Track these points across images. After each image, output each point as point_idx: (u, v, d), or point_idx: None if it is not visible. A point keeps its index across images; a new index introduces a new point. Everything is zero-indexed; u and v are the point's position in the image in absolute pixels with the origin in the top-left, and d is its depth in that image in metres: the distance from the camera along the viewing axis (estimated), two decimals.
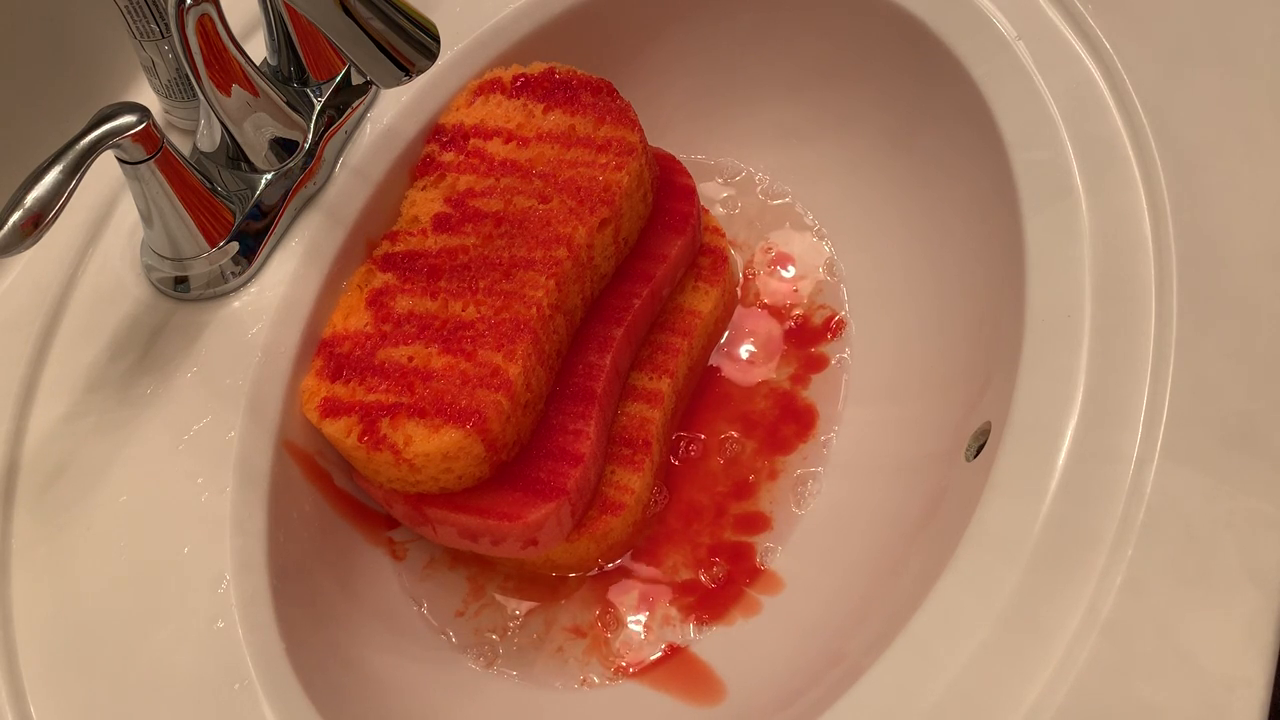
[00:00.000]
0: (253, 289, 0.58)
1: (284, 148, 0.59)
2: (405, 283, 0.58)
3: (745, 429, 0.65)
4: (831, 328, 0.67)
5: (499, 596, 0.61)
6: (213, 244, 0.56)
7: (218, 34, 0.53)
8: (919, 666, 0.46)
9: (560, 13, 0.66)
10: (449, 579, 0.62)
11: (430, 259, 0.59)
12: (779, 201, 0.71)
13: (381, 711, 0.55)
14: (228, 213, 0.57)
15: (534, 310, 0.56)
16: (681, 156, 0.68)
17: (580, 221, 0.59)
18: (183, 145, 0.58)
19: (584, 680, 0.59)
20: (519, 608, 0.61)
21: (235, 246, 0.57)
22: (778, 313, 0.68)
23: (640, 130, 0.61)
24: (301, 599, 0.54)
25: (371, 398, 0.55)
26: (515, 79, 0.63)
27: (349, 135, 0.62)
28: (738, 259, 0.70)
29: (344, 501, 0.59)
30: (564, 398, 0.59)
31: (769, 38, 0.70)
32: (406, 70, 0.51)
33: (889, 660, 0.46)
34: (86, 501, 0.53)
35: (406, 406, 0.54)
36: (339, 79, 0.61)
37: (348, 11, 0.49)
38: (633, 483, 0.60)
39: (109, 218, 0.60)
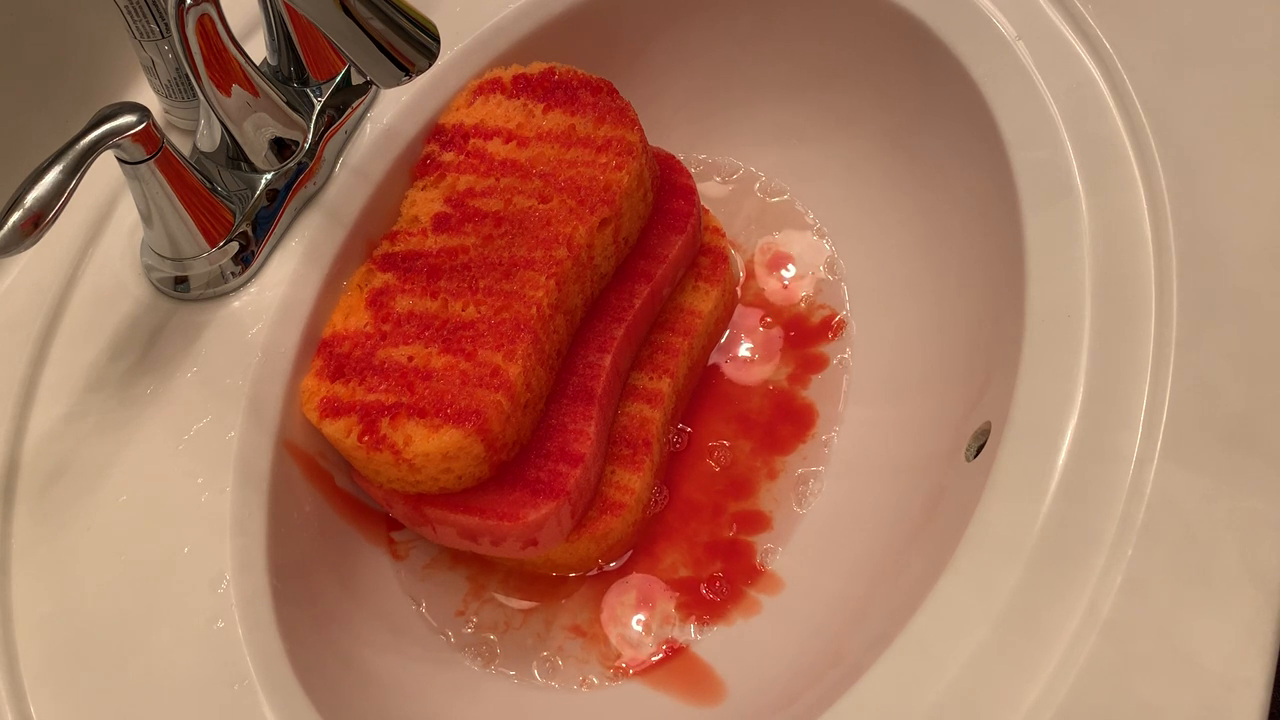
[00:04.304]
0: (253, 289, 0.58)
1: (284, 148, 0.59)
2: (405, 283, 0.58)
3: (745, 428, 0.65)
4: (832, 327, 0.67)
5: (499, 596, 0.61)
6: (213, 244, 0.56)
7: (218, 34, 0.53)
8: (919, 666, 0.46)
9: (560, 13, 0.66)
10: (449, 579, 0.62)
11: (430, 259, 0.59)
12: (778, 200, 0.71)
13: (381, 711, 0.55)
14: (228, 213, 0.57)
15: (534, 310, 0.56)
16: (681, 156, 0.68)
17: (580, 221, 0.59)
18: (183, 145, 0.58)
19: (584, 680, 0.59)
20: (519, 608, 0.61)
21: (235, 246, 0.57)
22: (778, 312, 0.68)
23: (640, 130, 0.61)
24: (301, 599, 0.54)
25: (371, 398, 0.55)
26: (515, 79, 0.63)
27: (349, 135, 0.62)
28: (738, 258, 0.70)
29: (344, 501, 0.59)
30: (564, 398, 0.59)
31: (769, 38, 0.70)
32: (406, 70, 0.51)
33: (889, 660, 0.46)
34: (86, 501, 0.53)
35: (406, 406, 0.54)
36: (339, 79, 0.61)
37: (348, 11, 0.49)
38: (633, 483, 0.60)
39: (109, 218, 0.60)
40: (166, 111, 0.62)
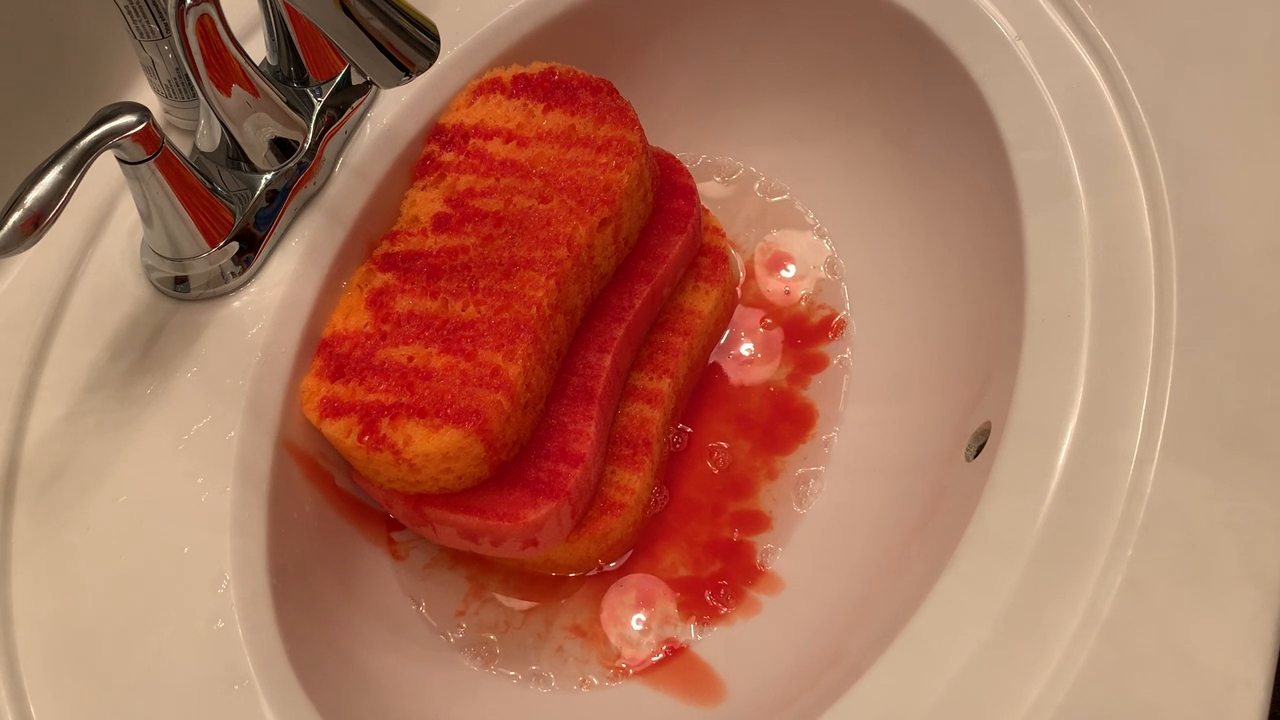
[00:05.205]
0: (253, 289, 0.58)
1: (284, 148, 0.59)
2: (405, 283, 0.58)
3: (745, 428, 0.65)
4: (832, 328, 0.67)
5: (499, 596, 0.61)
6: (213, 244, 0.56)
7: (218, 34, 0.53)
8: (919, 666, 0.46)
9: (560, 13, 0.66)
10: (449, 579, 0.62)
11: (430, 259, 0.59)
12: (778, 200, 0.71)
13: (381, 712, 0.55)
14: (228, 213, 0.57)
15: (534, 310, 0.56)
16: (681, 156, 0.68)
17: (580, 221, 0.59)
18: (183, 145, 0.58)
19: (584, 680, 0.59)
20: (519, 608, 0.61)
21: (235, 246, 0.57)
22: (778, 312, 0.68)
23: (640, 130, 0.61)
24: (301, 599, 0.54)
25: (371, 398, 0.55)
26: (515, 79, 0.63)
27: (349, 135, 0.62)
28: (738, 258, 0.70)
29: (344, 501, 0.59)
30: (564, 398, 0.59)
31: (769, 38, 0.70)
32: (406, 70, 0.51)
33: (889, 660, 0.46)
34: (86, 501, 0.53)
35: (406, 406, 0.54)
36: (339, 79, 0.61)
37: (348, 11, 0.49)
38: (633, 483, 0.60)
39: (109, 218, 0.60)
40: (166, 111, 0.62)
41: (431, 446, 0.53)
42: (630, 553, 0.62)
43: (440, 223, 0.60)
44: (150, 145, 0.51)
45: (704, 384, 0.67)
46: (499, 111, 0.63)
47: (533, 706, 0.58)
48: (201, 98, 0.55)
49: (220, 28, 0.53)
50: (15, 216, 0.46)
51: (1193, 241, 0.53)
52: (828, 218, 0.70)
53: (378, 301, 0.58)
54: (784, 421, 0.65)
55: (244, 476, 0.53)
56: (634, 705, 0.58)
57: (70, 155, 0.48)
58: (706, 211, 0.69)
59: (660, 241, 0.64)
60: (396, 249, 0.60)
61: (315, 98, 0.60)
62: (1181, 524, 0.47)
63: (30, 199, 0.47)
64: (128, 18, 0.57)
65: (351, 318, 0.58)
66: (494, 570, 0.62)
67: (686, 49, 0.71)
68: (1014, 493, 0.49)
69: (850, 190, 0.69)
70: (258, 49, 0.61)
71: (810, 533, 0.61)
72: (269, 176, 0.58)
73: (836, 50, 0.68)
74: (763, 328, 0.68)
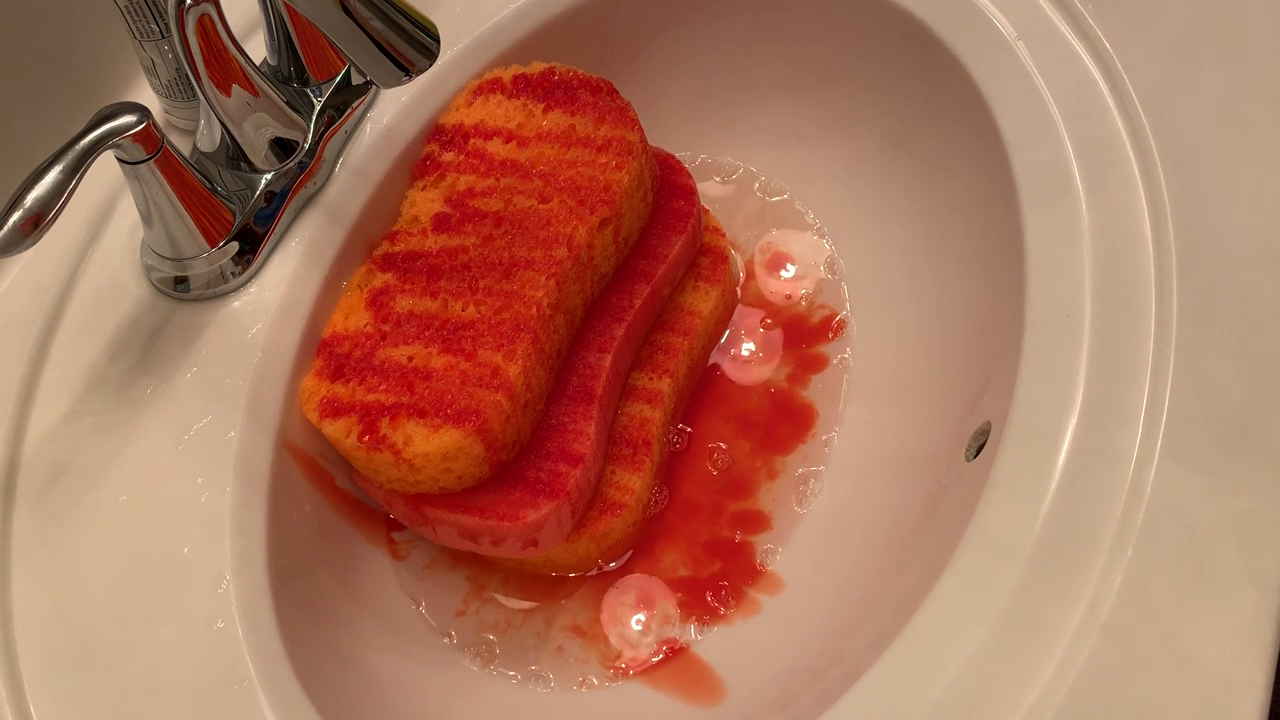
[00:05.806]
0: (253, 289, 0.58)
1: (284, 148, 0.59)
2: (405, 283, 0.59)
3: (745, 428, 0.65)
4: (832, 328, 0.67)
5: (499, 596, 0.61)
6: (213, 244, 0.56)
7: (218, 34, 0.53)
8: (919, 666, 0.46)
9: (560, 13, 0.66)
10: (449, 579, 0.62)
11: (430, 259, 0.59)
12: (778, 200, 0.71)
13: (381, 711, 0.55)
14: (228, 213, 0.57)
15: (534, 310, 0.56)
16: (681, 156, 0.68)
17: (580, 221, 0.59)
18: (183, 145, 0.58)
19: (584, 680, 0.59)
20: (519, 608, 0.61)
21: (235, 246, 0.57)
22: (778, 312, 0.68)
23: (640, 130, 0.61)
24: (301, 599, 0.54)
25: (371, 398, 0.55)
26: (515, 79, 0.63)
27: (349, 135, 0.62)
28: (738, 258, 0.70)
29: (344, 501, 0.59)
30: (564, 398, 0.59)
31: (769, 38, 0.70)
32: (406, 70, 0.51)
33: (889, 660, 0.46)
34: (86, 501, 0.53)
35: (406, 406, 0.54)
36: (339, 79, 0.61)
37: (348, 11, 0.49)
38: (633, 483, 0.60)
39: (109, 218, 0.60)
40: (166, 111, 0.62)
41: (431, 446, 0.53)
42: (630, 553, 0.62)
43: (440, 223, 0.60)
44: (150, 145, 0.51)
45: (704, 384, 0.67)
46: (499, 111, 0.63)
47: (533, 706, 0.58)
48: (201, 98, 0.55)
49: (220, 28, 0.53)
50: (15, 216, 0.46)
51: (1193, 241, 0.53)
52: (828, 218, 0.70)
53: (378, 301, 0.58)
54: (784, 421, 0.65)
55: (244, 476, 0.53)
56: (634, 705, 0.58)
57: (70, 155, 0.48)
58: (706, 211, 0.69)
59: (660, 241, 0.64)
60: (396, 249, 0.60)
61: (315, 98, 0.60)
62: (1181, 524, 0.47)
63: (30, 199, 0.47)
64: (128, 18, 0.57)
65: (351, 318, 0.58)
66: (494, 570, 0.62)
67: (686, 49, 0.71)
68: (1014, 493, 0.49)
69: (850, 190, 0.69)
70: (258, 49, 0.61)
71: (810, 533, 0.61)
72: (269, 176, 0.58)
73: (836, 50, 0.68)
74: (763, 328, 0.68)
